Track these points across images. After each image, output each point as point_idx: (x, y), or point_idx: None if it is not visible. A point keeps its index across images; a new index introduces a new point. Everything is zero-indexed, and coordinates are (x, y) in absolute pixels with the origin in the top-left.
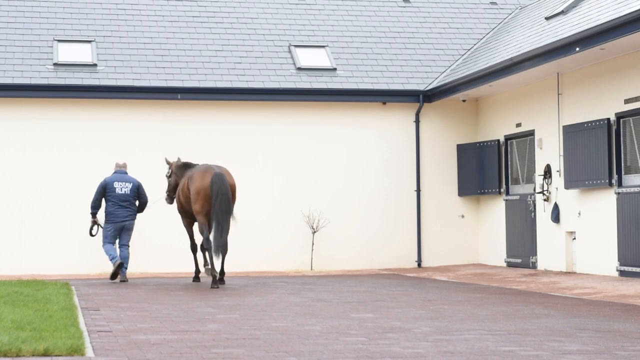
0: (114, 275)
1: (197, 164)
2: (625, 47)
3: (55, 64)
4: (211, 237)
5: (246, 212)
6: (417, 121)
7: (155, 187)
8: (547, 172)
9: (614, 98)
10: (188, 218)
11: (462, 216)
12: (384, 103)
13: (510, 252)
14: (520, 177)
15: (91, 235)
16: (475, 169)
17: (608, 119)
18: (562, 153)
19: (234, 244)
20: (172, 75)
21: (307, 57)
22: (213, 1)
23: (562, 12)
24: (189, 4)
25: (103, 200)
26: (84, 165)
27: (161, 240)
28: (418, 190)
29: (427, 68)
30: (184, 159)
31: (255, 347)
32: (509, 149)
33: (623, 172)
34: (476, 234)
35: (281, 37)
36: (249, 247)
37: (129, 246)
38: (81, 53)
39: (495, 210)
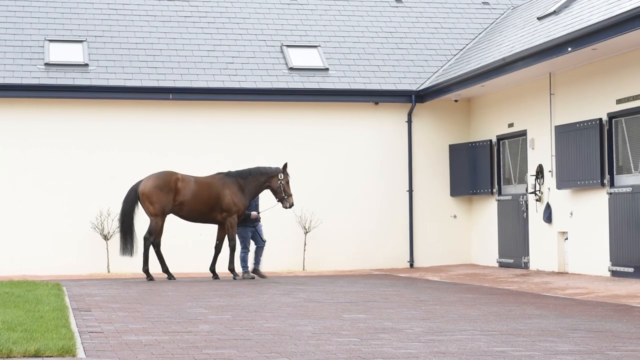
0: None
1: (241, 170)
2: (617, 47)
3: (46, 64)
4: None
5: None
6: (410, 121)
7: None
8: (539, 172)
9: (606, 98)
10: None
11: (455, 216)
12: (376, 103)
13: (502, 253)
14: (512, 177)
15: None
16: (467, 169)
17: (600, 119)
18: (554, 153)
19: (225, 245)
20: (164, 76)
21: (299, 57)
22: (205, 1)
23: (554, 12)
24: (181, 4)
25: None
26: (76, 165)
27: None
28: (410, 191)
29: (420, 68)
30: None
31: (247, 348)
32: (501, 149)
33: (615, 172)
34: (468, 234)
35: (273, 37)
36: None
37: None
38: (72, 53)
39: (488, 211)
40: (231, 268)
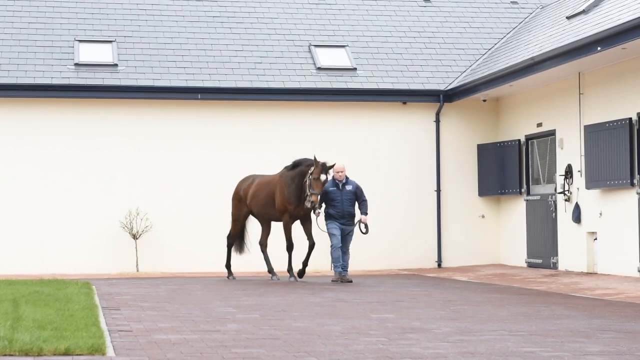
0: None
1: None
2: None
3: (76, 64)
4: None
5: None
6: (438, 121)
7: (173, 185)
8: (568, 172)
9: (635, 98)
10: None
11: (483, 216)
12: (404, 103)
13: (530, 253)
14: (541, 177)
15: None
16: (495, 169)
17: (630, 119)
18: (583, 153)
19: (252, 244)
20: (193, 75)
21: (327, 57)
22: (233, 1)
23: (584, 12)
24: (209, 4)
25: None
26: (105, 164)
27: (181, 241)
28: (438, 190)
29: (448, 68)
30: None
31: (276, 347)
32: (529, 149)
33: None
34: (497, 234)
35: (301, 37)
36: (270, 248)
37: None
38: (102, 53)
39: (516, 211)
40: (288, 269)
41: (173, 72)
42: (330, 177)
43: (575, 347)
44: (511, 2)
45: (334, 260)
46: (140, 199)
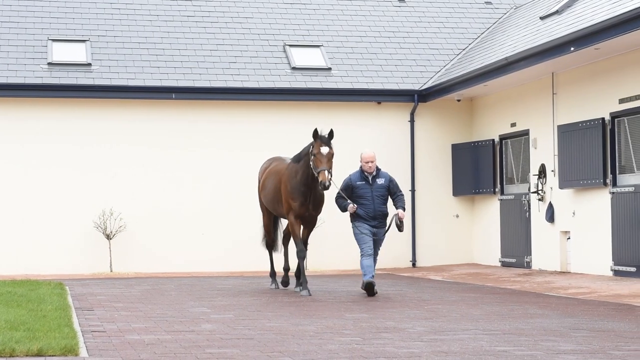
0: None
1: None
2: (619, 46)
3: (49, 64)
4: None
5: (240, 212)
6: (412, 121)
7: (147, 185)
8: (542, 172)
9: (608, 98)
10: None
11: (457, 216)
12: (379, 103)
13: (504, 252)
14: (514, 176)
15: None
16: (469, 168)
17: (603, 119)
18: (556, 153)
19: (226, 243)
20: (167, 75)
21: (302, 57)
22: (208, 0)
23: (557, 12)
24: (184, 3)
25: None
26: (79, 164)
27: (155, 241)
28: (413, 190)
29: (422, 68)
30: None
31: (250, 347)
32: (503, 149)
33: (617, 172)
34: (471, 234)
35: (276, 36)
36: (242, 247)
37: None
38: (75, 52)
39: (490, 210)
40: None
41: (147, 72)
42: (333, 150)
43: (549, 345)
44: (485, 2)
45: (364, 270)
46: (114, 199)
